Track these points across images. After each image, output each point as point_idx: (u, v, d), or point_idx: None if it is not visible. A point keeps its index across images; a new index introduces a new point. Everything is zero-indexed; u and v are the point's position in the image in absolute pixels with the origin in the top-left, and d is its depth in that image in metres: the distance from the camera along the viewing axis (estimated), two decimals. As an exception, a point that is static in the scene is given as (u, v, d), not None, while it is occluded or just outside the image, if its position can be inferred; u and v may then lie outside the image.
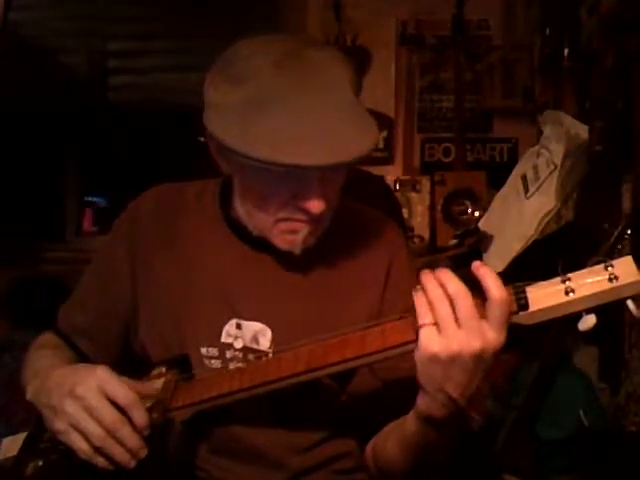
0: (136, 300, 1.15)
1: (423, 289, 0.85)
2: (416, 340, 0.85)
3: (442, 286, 0.84)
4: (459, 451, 1.01)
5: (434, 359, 0.84)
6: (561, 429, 2.09)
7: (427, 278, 0.86)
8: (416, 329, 0.86)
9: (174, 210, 1.18)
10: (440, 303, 0.84)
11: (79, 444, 0.95)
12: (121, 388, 0.96)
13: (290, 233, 1.05)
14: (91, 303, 1.19)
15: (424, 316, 0.84)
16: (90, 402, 0.94)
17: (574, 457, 2.07)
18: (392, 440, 1.03)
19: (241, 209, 1.10)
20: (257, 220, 1.06)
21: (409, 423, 0.96)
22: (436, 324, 0.84)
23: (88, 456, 0.95)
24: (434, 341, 0.83)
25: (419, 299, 0.85)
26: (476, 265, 0.84)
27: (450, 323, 0.83)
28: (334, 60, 1.01)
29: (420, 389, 0.89)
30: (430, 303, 0.84)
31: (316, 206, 1.00)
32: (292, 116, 0.94)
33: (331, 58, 1.01)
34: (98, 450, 0.94)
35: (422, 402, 0.90)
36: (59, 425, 0.97)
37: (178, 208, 1.18)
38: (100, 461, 0.95)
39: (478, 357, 0.83)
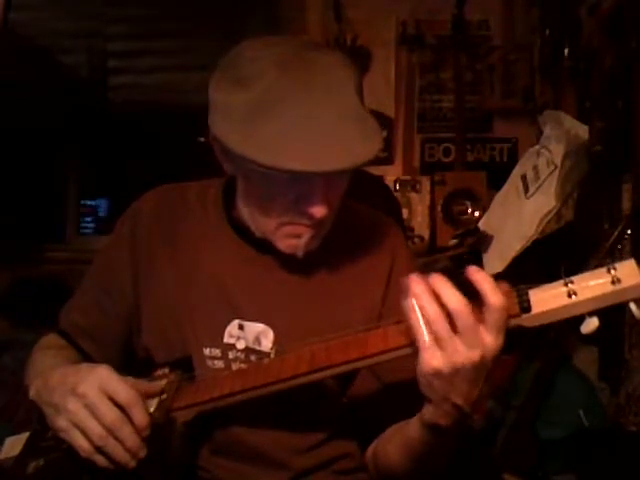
0: (138, 301, 1.15)
1: (418, 305, 0.82)
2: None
3: (436, 296, 0.82)
4: (460, 453, 1.01)
5: (437, 374, 0.83)
6: (561, 429, 2.09)
7: (419, 289, 0.82)
8: (414, 344, 0.84)
9: (176, 211, 1.18)
10: (438, 321, 0.81)
11: (80, 442, 0.95)
12: (122, 387, 0.96)
13: (293, 237, 1.05)
14: (93, 304, 1.19)
15: (422, 333, 0.82)
16: (91, 400, 0.94)
17: (574, 457, 2.08)
18: (394, 444, 1.03)
19: (244, 211, 1.10)
20: (260, 223, 1.06)
21: (413, 429, 0.95)
22: (436, 340, 0.82)
23: (89, 454, 0.95)
24: (436, 357, 0.82)
25: (414, 316, 0.83)
26: (472, 271, 0.82)
27: (450, 337, 0.81)
28: (338, 63, 1.01)
29: (425, 398, 0.89)
30: (427, 321, 0.82)
31: (320, 211, 1.00)
32: (296, 120, 0.94)
33: (335, 61, 1.01)
34: (99, 449, 0.95)
35: (427, 411, 0.90)
36: (61, 423, 0.97)
37: (180, 209, 1.18)
38: (100, 460, 0.95)
39: (479, 364, 0.82)
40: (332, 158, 0.94)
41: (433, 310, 0.82)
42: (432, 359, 0.82)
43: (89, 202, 3.40)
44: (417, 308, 0.83)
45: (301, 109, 0.95)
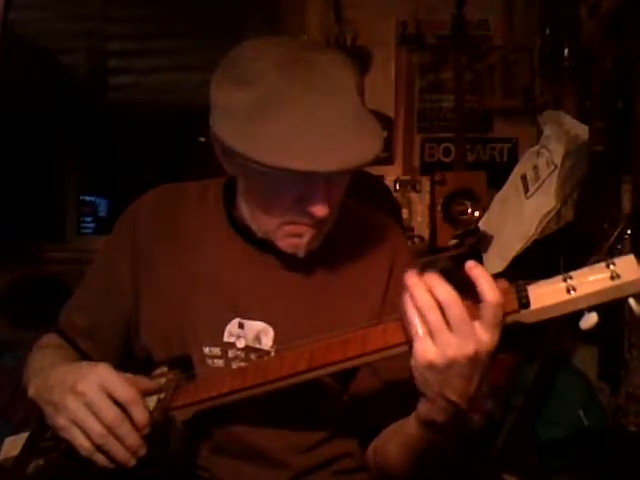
0: (138, 300, 1.15)
1: (411, 297, 0.84)
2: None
3: (430, 292, 0.83)
4: (459, 452, 1.01)
5: (431, 367, 0.84)
6: (561, 429, 2.09)
7: (414, 285, 0.84)
8: (409, 338, 0.86)
9: (175, 210, 1.18)
10: (431, 311, 0.83)
11: (80, 440, 0.95)
12: (122, 385, 0.96)
13: (294, 236, 1.05)
14: (92, 304, 1.19)
15: (416, 325, 0.84)
16: (91, 398, 0.95)
17: (574, 457, 2.07)
18: (393, 443, 1.03)
19: (245, 210, 1.10)
20: (261, 222, 1.07)
21: (410, 427, 0.95)
22: (429, 332, 0.83)
23: (89, 453, 0.95)
24: (429, 350, 0.83)
25: (409, 308, 0.85)
26: (470, 266, 0.83)
27: (443, 330, 0.82)
28: (339, 63, 1.01)
29: (420, 394, 0.89)
30: (420, 311, 0.84)
31: (321, 210, 1.00)
32: (298, 120, 0.94)
33: (336, 61, 1.01)
34: (99, 447, 0.95)
35: (423, 407, 0.90)
36: (61, 421, 0.97)
37: (179, 208, 1.18)
38: (100, 458, 0.95)
39: (473, 360, 0.83)
40: (333, 158, 0.94)
41: (426, 300, 0.83)
42: (425, 351, 0.83)
43: (88, 198, 3.41)
44: (411, 300, 0.84)
45: (302, 109, 0.95)
